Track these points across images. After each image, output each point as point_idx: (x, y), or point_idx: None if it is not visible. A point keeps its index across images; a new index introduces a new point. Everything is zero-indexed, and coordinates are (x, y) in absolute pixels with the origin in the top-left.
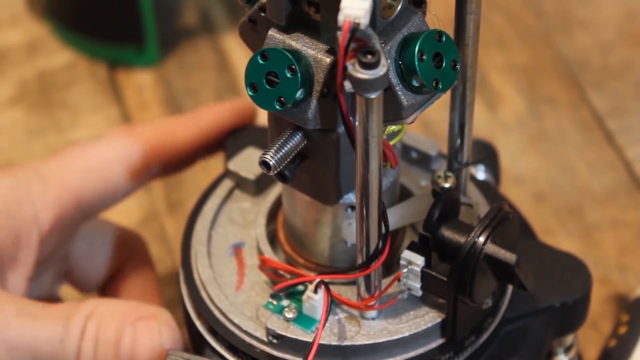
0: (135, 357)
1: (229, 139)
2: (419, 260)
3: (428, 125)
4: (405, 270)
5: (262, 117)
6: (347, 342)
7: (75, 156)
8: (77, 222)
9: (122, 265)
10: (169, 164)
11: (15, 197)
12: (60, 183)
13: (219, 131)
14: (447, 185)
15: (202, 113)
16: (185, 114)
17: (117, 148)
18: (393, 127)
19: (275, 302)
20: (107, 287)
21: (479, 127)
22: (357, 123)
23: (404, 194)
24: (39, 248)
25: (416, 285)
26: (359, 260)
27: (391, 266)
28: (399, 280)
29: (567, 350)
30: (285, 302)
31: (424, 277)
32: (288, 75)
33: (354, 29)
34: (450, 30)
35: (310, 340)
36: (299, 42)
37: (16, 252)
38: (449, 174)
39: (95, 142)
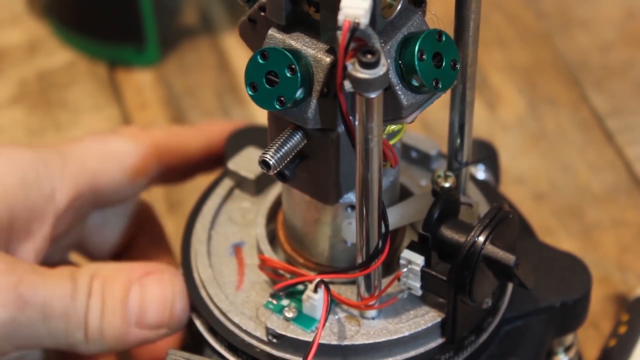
0: (144, 311)
1: (230, 138)
2: (418, 260)
3: (428, 125)
4: (405, 269)
5: (262, 117)
6: (347, 342)
7: (95, 142)
8: (91, 206)
9: (135, 235)
10: (175, 169)
11: (35, 171)
12: (80, 163)
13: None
14: (447, 184)
15: (213, 127)
16: (196, 124)
17: (132, 142)
18: (393, 127)
19: (275, 302)
20: (121, 258)
21: (479, 127)
22: (357, 123)
23: (404, 194)
24: (53, 224)
25: (416, 284)
26: (359, 260)
27: (391, 266)
28: (398, 279)
29: (567, 349)
30: (285, 302)
31: (424, 276)
32: (288, 74)
33: (354, 28)
34: (450, 30)
35: (310, 339)
36: (299, 42)
37: (29, 224)
38: (449, 173)
39: (111, 133)
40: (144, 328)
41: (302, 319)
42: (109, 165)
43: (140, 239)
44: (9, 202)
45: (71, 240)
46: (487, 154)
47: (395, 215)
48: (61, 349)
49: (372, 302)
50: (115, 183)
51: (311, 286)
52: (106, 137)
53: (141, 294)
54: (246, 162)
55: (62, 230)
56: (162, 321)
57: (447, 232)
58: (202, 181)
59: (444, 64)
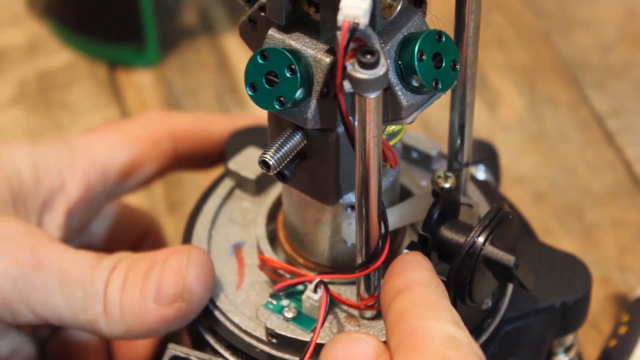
0: (161, 283)
1: (230, 138)
2: None
3: (428, 125)
4: None
5: (262, 117)
6: None
7: (106, 132)
8: (103, 198)
9: (138, 244)
10: (197, 155)
11: (45, 165)
12: (88, 156)
13: None
14: (447, 185)
15: (237, 116)
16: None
17: (148, 128)
18: (393, 127)
19: (275, 302)
20: None
21: (479, 127)
22: (356, 123)
23: (404, 194)
24: (66, 217)
25: None
26: (359, 260)
27: None
28: None
29: (567, 350)
30: (285, 302)
31: None
32: (287, 75)
33: (354, 28)
34: (450, 30)
35: (309, 339)
36: (299, 42)
37: (42, 215)
38: (449, 174)
39: (128, 120)
40: (162, 303)
41: (302, 319)
42: (119, 153)
43: (142, 247)
44: (24, 194)
45: (88, 238)
46: (487, 154)
47: (395, 216)
48: (83, 328)
49: (371, 303)
50: (125, 170)
51: (311, 286)
52: (120, 124)
53: (161, 269)
54: (247, 162)
55: (75, 225)
56: (177, 291)
57: (447, 233)
58: (203, 181)
59: (443, 64)
